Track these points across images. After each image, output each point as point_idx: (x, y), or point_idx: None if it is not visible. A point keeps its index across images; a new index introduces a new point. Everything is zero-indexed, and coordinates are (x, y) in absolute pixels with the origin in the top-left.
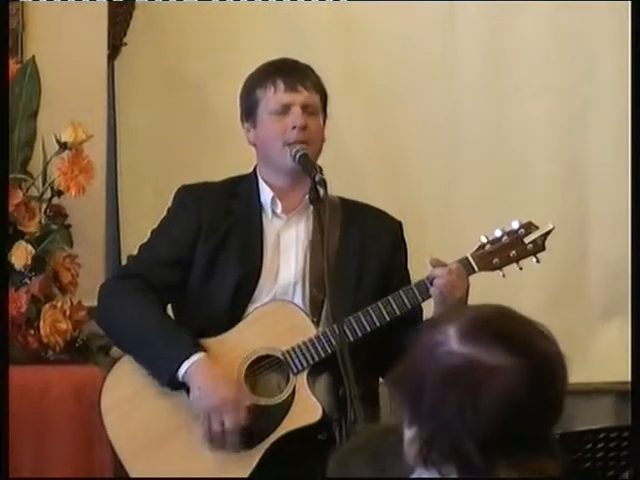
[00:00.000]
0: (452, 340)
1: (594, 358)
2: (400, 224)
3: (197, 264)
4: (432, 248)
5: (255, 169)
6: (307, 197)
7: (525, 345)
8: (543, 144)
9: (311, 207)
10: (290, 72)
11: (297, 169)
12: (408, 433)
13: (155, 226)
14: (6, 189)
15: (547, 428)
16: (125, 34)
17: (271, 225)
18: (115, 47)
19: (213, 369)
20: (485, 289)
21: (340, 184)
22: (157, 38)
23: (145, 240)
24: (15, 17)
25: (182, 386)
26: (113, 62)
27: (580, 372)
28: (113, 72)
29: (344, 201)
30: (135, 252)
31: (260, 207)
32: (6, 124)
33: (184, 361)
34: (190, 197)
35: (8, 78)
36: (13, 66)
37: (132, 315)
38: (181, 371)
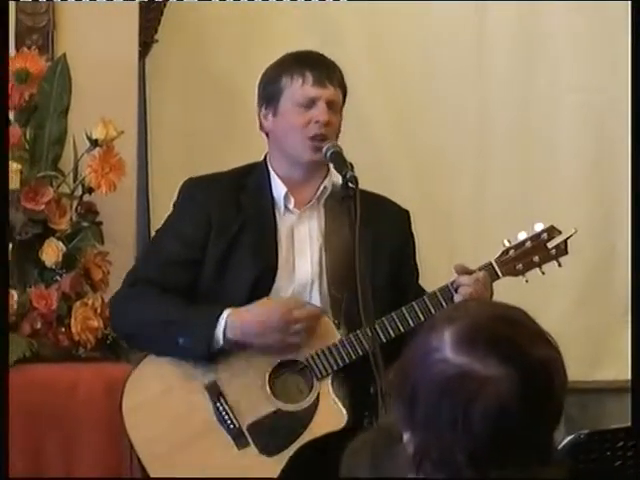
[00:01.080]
0: (447, 347)
1: (621, 356)
2: (408, 213)
3: (209, 263)
4: (460, 246)
5: (265, 159)
6: (319, 192)
7: (521, 353)
8: (571, 142)
9: (322, 202)
10: (319, 66)
11: (314, 163)
12: (405, 436)
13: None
14: (6, 187)
15: (545, 436)
16: (156, 31)
17: (284, 220)
18: (146, 44)
19: (247, 310)
20: (512, 289)
21: (369, 180)
22: (188, 35)
23: (153, 236)
24: (45, 15)
25: (217, 352)
26: (144, 59)
27: (607, 370)
28: (144, 69)
29: None
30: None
31: (272, 201)
32: (6, 123)
33: (219, 318)
34: (198, 192)
35: (8, 77)
36: (43, 64)
37: (151, 307)
38: (219, 329)
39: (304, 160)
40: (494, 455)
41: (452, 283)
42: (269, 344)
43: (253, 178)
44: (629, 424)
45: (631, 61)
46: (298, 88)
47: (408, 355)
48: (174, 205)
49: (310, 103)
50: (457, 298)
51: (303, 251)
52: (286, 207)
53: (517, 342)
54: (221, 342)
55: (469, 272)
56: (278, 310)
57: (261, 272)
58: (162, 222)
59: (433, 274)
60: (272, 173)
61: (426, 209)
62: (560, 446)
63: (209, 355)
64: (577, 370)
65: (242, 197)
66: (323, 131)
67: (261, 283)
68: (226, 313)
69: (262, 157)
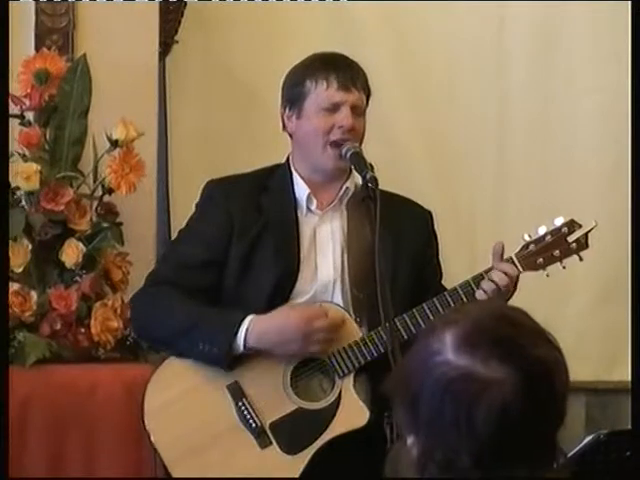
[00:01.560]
0: (448, 349)
1: None
2: (431, 214)
3: (231, 264)
4: (482, 246)
5: (288, 160)
6: (342, 192)
7: (522, 354)
8: (591, 141)
9: (345, 202)
10: (343, 70)
11: (337, 169)
12: (409, 440)
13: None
14: (6, 186)
15: (548, 437)
16: (176, 32)
17: (306, 221)
18: (166, 45)
19: (268, 319)
20: (534, 288)
21: (390, 181)
22: (208, 36)
23: (175, 237)
24: (66, 15)
25: (237, 358)
26: (164, 60)
27: (629, 370)
28: (164, 70)
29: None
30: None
31: (294, 202)
32: (6, 122)
33: (240, 324)
34: (220, 193)
35: (8, 75)
36: (63, 64)
37: (172, 309)
38: (240, 336)
39: (327, 167)
40: (498, 456)
41: (492, 267)
42: (289, 353)
43: (275, 179)
44: None
45: (631, 62)
46: (322, 92)
47: (409, 359)
48: (196, 206)
49: (334, 107)
50: (485, 284)
51: (325, 252)
52: (308, 208)
53: (518, 343)
54: (241, 349)
55: (506, 260)
56: (297, 320)
57: (283, 273)
58: (184, 223)
59: (454, 274)
60: (294, 174)
61: (447, 209)
62: (580, 446)
63: (229, 360)
64: (598, 370)
65: (264, 198)
66: (346, 136)
67: (283, 284)
68: (248, 320)
69: (283, 158)
